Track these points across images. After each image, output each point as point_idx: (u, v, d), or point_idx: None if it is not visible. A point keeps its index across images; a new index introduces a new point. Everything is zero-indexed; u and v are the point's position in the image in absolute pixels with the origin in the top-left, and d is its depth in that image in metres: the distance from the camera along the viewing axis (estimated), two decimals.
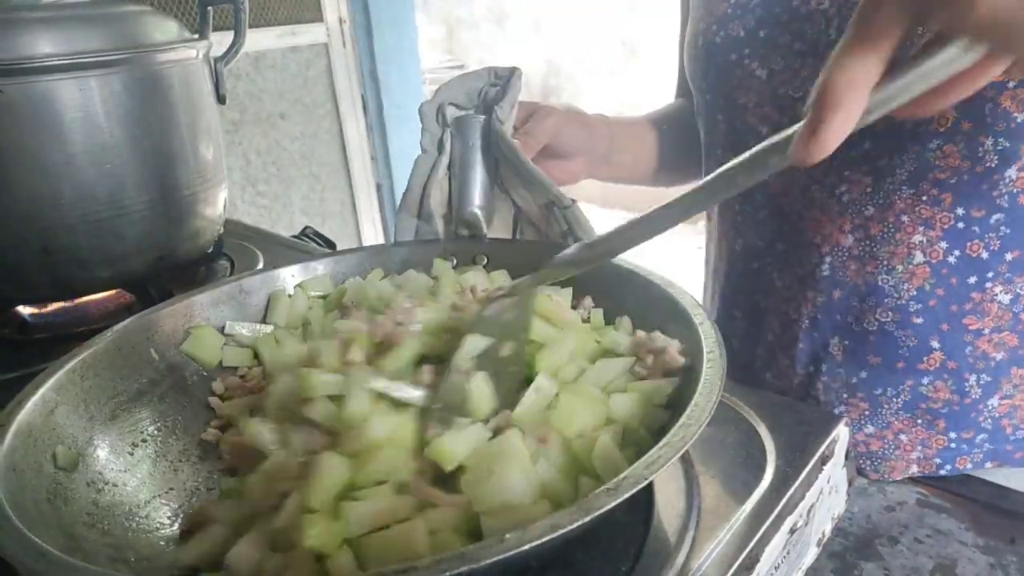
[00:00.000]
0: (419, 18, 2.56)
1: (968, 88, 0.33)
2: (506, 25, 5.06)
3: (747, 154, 0.38)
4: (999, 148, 0.54)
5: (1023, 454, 0.62)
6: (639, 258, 0.53)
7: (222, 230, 0.91)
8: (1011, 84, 0.52)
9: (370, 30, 2.32)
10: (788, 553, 0.43)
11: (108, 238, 0.74)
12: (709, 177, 0.41)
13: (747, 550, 0.39)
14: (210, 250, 0.90)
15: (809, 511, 0.45)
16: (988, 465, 0.63)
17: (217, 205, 0.87)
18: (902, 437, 0.63)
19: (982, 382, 0.61)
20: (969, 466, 0.63)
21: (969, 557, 0.47)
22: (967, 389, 0.61)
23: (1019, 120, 0.53)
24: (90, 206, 0.71)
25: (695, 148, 0.79)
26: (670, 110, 0.87)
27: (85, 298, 0.81)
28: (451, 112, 0.67)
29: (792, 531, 0.43)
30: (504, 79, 0.67)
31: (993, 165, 0.54)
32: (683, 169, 0.87)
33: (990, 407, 0.61)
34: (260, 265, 0.92)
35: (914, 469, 0.63)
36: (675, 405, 0.43)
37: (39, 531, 0.34)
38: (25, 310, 0.81)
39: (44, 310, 0.81)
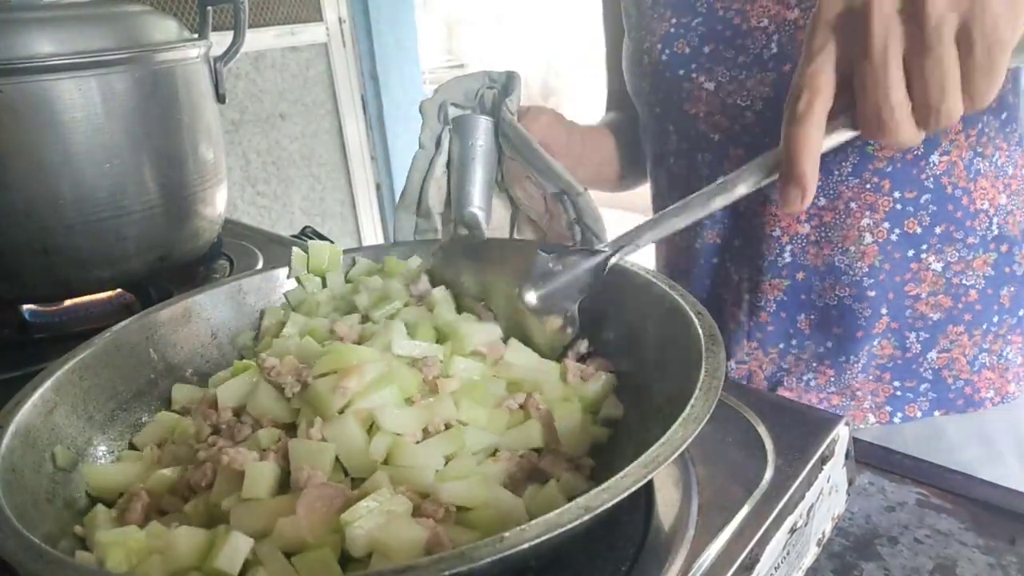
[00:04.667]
0: (419, 18, 2.56)
1: None
2: (506, 25, 5.06)
3: (722, 179, 0.47)
4: (925, 137, 0.60)
5: (964, 401, 0.71)
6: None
7: (222, 230, 0.91)
8: None
9: (370, 30, 2.32)
10: (788, 553, 0.43)
11: (108, 238, 0.74)
12: (687, 199, 0.49)
13: (747, 550, 0.39)
14: (210, 250, 0.90)
15: (809, 511, 0.45)
16: (936, 413, 0.71)
17: (217, 205, 0.87)
18: (858, 393, 0.72)
19: (921, 339, 0.70)
20: (919, 414, 0.71)
21: (969, 557, 0.47)
22: (908, 345, 0.70)
23: None
24: (90, 206, 0.71)
25: (639, 159, 0.85)
26: (608, 121, 0.89)
27: (85, 298, 0.81)
28: (452, 111, 0.68)
29: (792, 531, 0.43)
30: (499, 81, 0.68)
31: (920, 152, 0.64)
32: (635, 177, 0.90)
33: (929, 359, 0.70)
34: (260, 265, 0.92)
35: (871, 419, 0.72)
36: (671, 405, 0.43)
37: (38, 531, 0.34)
38: (25, 310, 0.81)
39: (44, 310, 0.81)
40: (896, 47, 0.40)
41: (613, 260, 0.51)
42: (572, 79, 4.86)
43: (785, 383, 0.74)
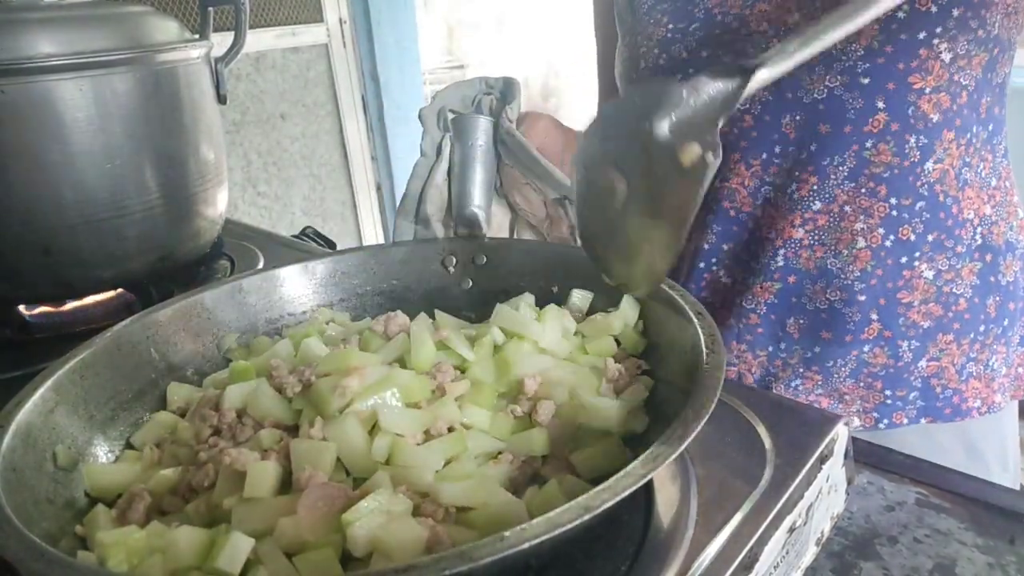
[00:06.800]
0: (419, 18, 2.56)
1: None
2: (506, 26, 5.06)
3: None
4: (920, 144, 0.64)
5: (951, 410, 0.71)
6: None
7: (222, 230, 0.91)
8: (927, 90, 0.62)
9: (370, 31, 2.32)
10: (787, 552, 0.43)
11: (109, 238, 0.74)
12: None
13: (746, 549, 0.39)
14: (211, 250, 0.90)
15: (808, 510, 0.45)
16: (923, 421, 0.71)
17: (218, 205, 0.87)
18: (846, 397, 0.72)
19: (912, 347, 0.70)
20: (905, 421, 0.71)
21: (968, 557, 0.47)
22: (900, 354, 0.70)
23: (934, 120, 0.63)
24: (91, 206, 0.71)
25: None
26: None
27: (86, 298, 0.81)
28: (451, 117, 0.68)
29: (791, 530, 0.43)
30: (496, 87, 0.69)
31: (916, 159, 0.64)
32: None
33: (920, 368, 0.70)
34: (260, 265, 0.93)
35: (856, 422, 0.72)
36: (670, 404, 0.43)
37: (39, 531, 0.34)
38: (26, 310, 0.81)
39: (45, 310, 0.82)
40: None
41: (761, 75, 0.41)
42: (572, 79, 4.85)
43: (773, 387, 0.74)
